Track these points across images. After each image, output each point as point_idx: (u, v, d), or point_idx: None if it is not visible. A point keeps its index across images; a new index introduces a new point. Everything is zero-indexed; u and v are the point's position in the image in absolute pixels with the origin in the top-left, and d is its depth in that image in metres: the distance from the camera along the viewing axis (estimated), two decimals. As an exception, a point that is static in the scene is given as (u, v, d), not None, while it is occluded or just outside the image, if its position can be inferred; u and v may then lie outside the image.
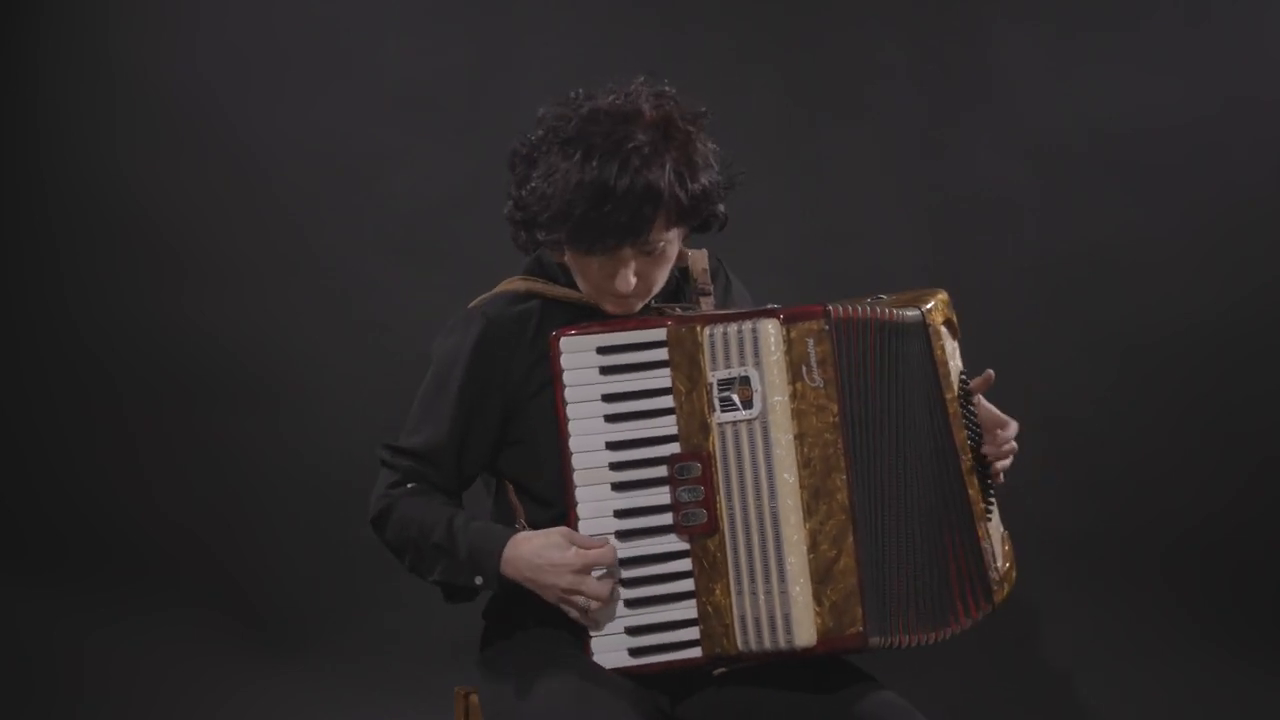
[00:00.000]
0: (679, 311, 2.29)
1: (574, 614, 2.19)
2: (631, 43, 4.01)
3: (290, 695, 3.82)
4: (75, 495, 4.08)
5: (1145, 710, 3.76)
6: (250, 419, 4.06)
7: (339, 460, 3.94)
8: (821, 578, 2.15)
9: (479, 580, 2.23)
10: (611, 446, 2.19)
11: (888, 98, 4.07)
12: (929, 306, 2.30)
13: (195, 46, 4.08)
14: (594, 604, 2.16)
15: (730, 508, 2.18)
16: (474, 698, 2.41)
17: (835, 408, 2.16)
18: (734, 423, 2.17)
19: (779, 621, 2.16)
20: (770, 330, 2.17)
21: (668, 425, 2.19)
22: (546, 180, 2.20)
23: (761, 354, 2.17)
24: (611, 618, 2.19)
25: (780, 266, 3.80)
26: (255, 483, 4.06)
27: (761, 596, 2.16)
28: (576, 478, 2.19)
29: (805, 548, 2.15)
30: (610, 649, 2.19)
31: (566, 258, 2.29)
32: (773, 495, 2.16)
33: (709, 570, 2.18)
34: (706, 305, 2.37)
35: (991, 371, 2.38)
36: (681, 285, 2.39)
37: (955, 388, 2.31)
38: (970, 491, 2.31)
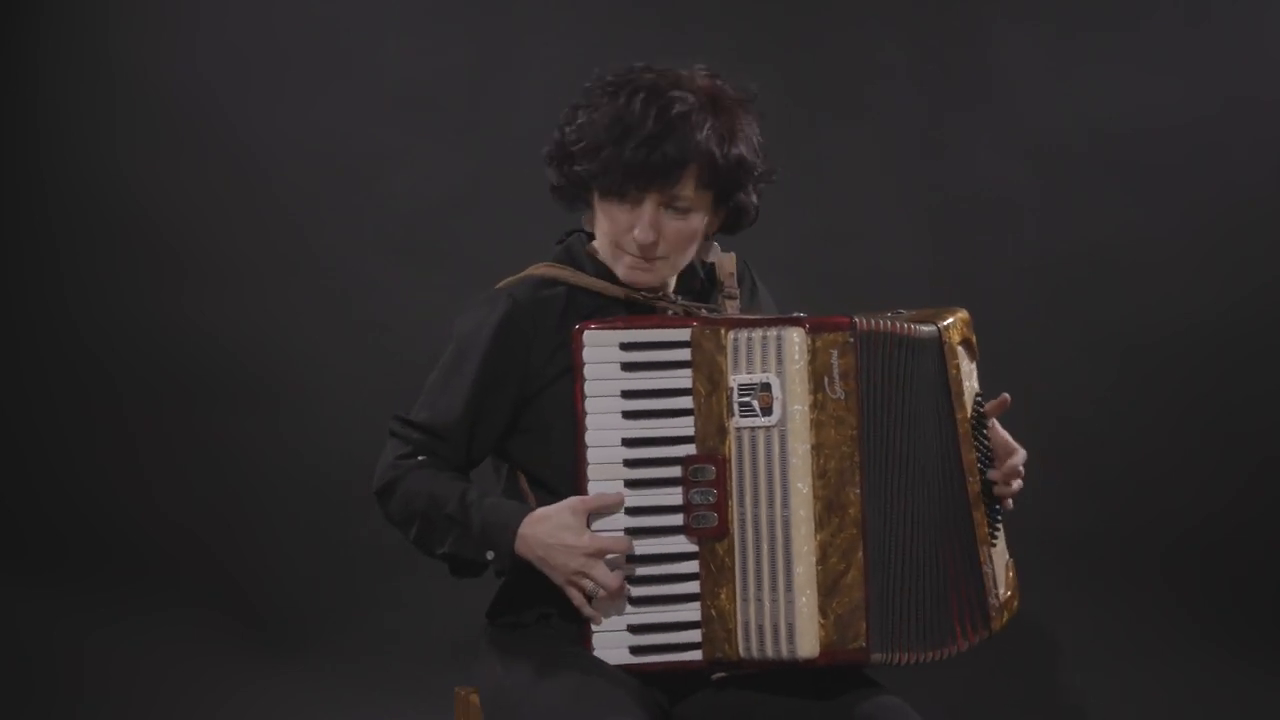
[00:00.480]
0: (704, 313, 2.27)
1: (578, 599, 2.17)
2: (631, 43, 3.98)
3: (290, 695, 3.82)
4: (75, 495, 4.08)
5: (1145, 710, 3.76)
6: (250, 419, 4.06)
7: (339, 460, 3.94)
8: (828, 590, 2.13)
9: (490, 555, 2.21)
10: (627, 443, 2.17)
11: (888, 98, 4.07)
12: (946, 324, 2.27)
13: (195, 46, 4.08)
14: (600, 591, 2.16)
15: (741, 513, 2.16)
16: (474, 698, 2.41)
17: (854, 421, 2.14)
18: (752, 428, 2.15)
19: (782, 630, 2.14)
20: (795, 338, 2.15)
21: (685, 426, 2.18)
22: (588, 116, 2.22)
23: (785, 361, 2.15)
24: (614, 613, 2.18)
25: (780, 266, 3.76)
26: (255, 483, 4.06)
27: (767, 604, 2.15)
28: (590, 471, 2.17)
29: (814, 559, 2.13)
30: (611, 645, 2.18)
31: (595, 215, 2.28)
32: (785, 504, 2.14)
33: (716, 574, 2.16)
34: (731, 309, 2.35)
35: (1008, 395, 2.35)
36: (708, 287, 2.39)
37: (969, 408, 2.29)
38: (975, 514, 2.28)
